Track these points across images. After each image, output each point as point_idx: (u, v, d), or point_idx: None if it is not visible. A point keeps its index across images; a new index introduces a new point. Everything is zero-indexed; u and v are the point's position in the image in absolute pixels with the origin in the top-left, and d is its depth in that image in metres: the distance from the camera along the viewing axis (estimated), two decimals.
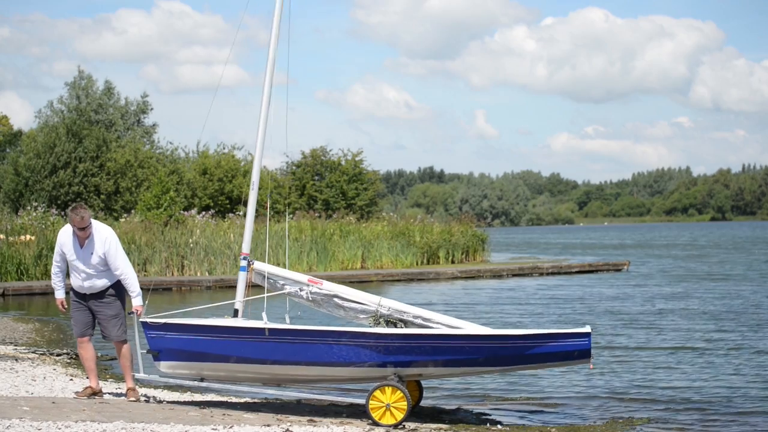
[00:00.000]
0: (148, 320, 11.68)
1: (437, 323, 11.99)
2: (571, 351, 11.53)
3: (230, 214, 50.45)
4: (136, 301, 11.77)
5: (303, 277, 12.37)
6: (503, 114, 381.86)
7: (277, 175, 68.38)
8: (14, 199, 63.25)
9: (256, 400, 13.24)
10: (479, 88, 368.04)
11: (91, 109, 74.75)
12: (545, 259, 52.33)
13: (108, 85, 77.88)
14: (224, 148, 67.64)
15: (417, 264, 44.81)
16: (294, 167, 66.78)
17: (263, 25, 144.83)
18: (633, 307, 27.04)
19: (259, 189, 12.45)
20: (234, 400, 13.21)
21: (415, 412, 12.73)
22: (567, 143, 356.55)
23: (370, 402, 11.35)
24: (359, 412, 12.01)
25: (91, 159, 63.00)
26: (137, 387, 12.48)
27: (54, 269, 12.02)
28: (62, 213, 50.80)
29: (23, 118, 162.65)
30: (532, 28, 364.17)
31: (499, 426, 12.05)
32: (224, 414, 11.55)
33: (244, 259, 12.31)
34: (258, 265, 12.39)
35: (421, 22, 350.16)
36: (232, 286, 34.52)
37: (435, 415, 12.74)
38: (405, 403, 11.31)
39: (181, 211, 48.17)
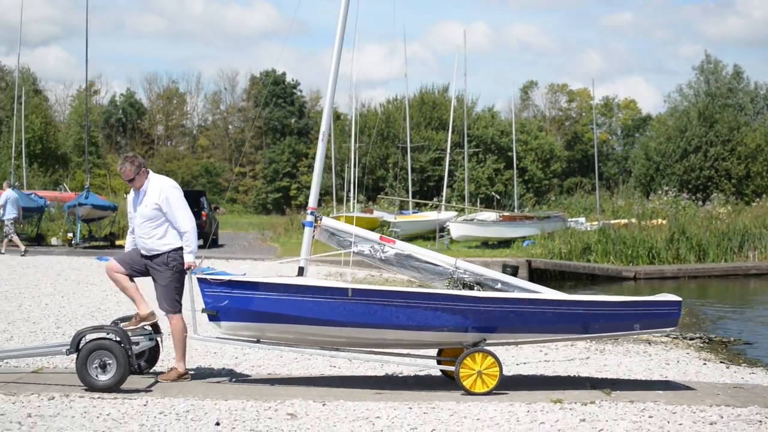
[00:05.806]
0: (209, 277, 10.92)
1: (516, 287, 11.19)
2: (661, 319, 11.07)
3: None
4: (188, 257, 11.05)
5: (374, 236, 11.61)
6: None
7: None
8: (645, 183, 64.79)
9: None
10: None
11: (720, 93, 74.54)
12: None
13: (737, 69, 77.26)
14: None
15: None
16: None
17: None
18: None
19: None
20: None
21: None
22: None
23: (461, 370, 10.53)
24: None
25: (722, 143, 62.83)
26: (180, 369, 11.21)
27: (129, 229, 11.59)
28: (693, 197, 51.31)
29: (651, 102, 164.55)
30: None
31: None
32: None
33: (311, 214, 11.45)
34: (326, 221, 11.60)
35: None
36: None
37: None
38: (497, 369, 10.49)
39: None
